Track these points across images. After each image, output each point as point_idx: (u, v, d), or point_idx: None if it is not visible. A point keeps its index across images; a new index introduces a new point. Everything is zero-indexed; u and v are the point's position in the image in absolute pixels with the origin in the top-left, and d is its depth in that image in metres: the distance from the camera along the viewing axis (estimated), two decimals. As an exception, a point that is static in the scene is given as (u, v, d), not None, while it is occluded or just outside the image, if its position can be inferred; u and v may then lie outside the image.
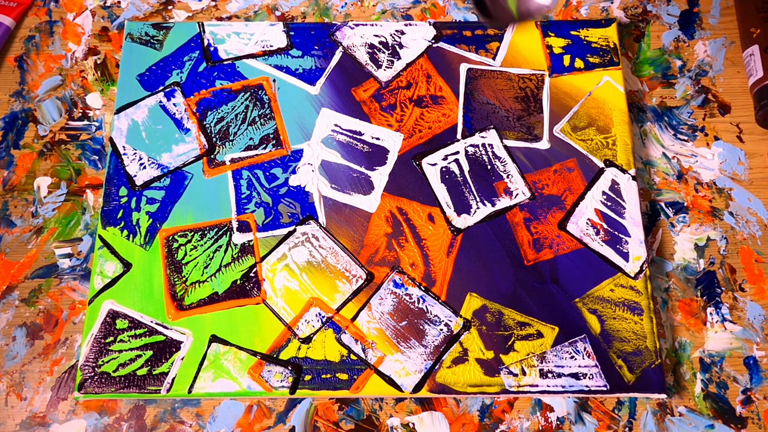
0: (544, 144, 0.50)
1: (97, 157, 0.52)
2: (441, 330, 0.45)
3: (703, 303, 0.47)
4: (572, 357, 0.44)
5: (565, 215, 0.48)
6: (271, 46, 0.54)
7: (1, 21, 0.56)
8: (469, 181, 0.49)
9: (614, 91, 0.52)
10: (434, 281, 0.46)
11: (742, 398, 0.44)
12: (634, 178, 0.49)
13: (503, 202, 0.48)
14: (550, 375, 0.44)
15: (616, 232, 0.47)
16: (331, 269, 0.47)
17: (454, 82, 0.52)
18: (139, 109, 0.51)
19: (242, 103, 0.52)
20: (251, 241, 0.47)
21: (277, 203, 0.48)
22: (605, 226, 0.48)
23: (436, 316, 0.45)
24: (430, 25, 0.54)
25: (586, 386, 0.43)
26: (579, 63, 0.53)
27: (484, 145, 0.50)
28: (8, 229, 0.49)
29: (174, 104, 0.52)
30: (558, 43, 0.54)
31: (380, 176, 0.49)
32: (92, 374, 0.43)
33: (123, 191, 0.49)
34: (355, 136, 0.50)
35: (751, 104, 0.53)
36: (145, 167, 0.50)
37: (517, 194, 0.49)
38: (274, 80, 0.52)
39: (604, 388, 0.43)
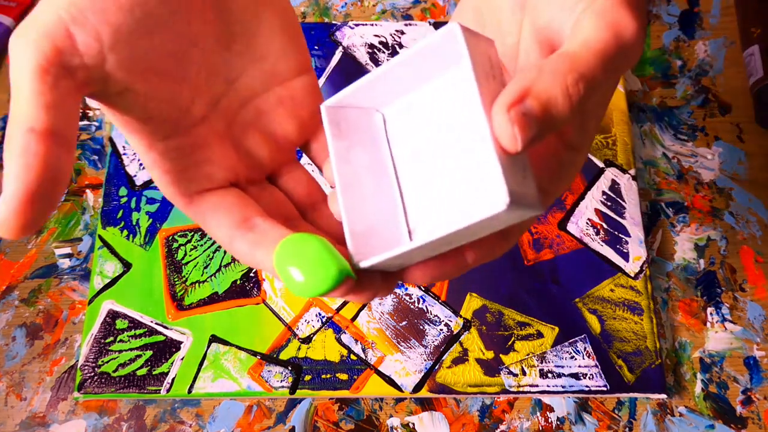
0: (544, 144, 0.50)
1: (96, 157, 0.52)
2: (441, 330, 0.45)
3: (703, 303, 0.47)
4: (572, 357, 0.44)
5: (565, 215, 0.48)
6: (271, 46, 0.53)
7: (1, 21, 0.56)
8: (469, 181, 0.49)
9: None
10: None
11: (742, 398, 0.44)
12: (634, 178, 0.49)
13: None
14: (550, 375, 0.43)
15: (616, 232, 0.47)
16: (331, 269, 0.46)
17: (454, 82, 0.52)
18: (139, 109, 0.51)
19: (242, 103, 0.51)
20: (251, 241, 0.47)
21: (277, 203, 0.48)
22: (605, 226, 0.48)
23: (436, 316, 0.45)
24: (430, 25, 0.54)
25: (586, 386, 0.43)
26: (579, 63, 0.53)
27: (484, 145, 0.50)
28: (8, 229, 0.49)
29: (174, 104, 0.52)
30: (558, 43, 0.54)
31: (380, 176, 0.49)
32: (92, 374, 0.43)
33: (123, 191, 0.49)
34: (355, 136, 0.50)
35: (751, 104, 0.53)
36: (145, 167, 0.49)
37: (517, 194, 0.48)
38: (274, 80, 0.52)
39: (604, 388, 0.43)
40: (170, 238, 0.47)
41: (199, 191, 0.25)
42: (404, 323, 0.45)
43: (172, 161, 0.24)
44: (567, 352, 0.44)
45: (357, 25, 0.54)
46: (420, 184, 0.25)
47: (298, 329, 0.45)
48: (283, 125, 0.27)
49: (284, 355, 0.44)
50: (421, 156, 0.25)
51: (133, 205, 0.48)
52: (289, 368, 0.44)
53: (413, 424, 0.44)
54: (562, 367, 0.44)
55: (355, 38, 0.54)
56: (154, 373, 0.44)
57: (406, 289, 0.46)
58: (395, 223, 0.25)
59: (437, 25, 0.54)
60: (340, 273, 0.21)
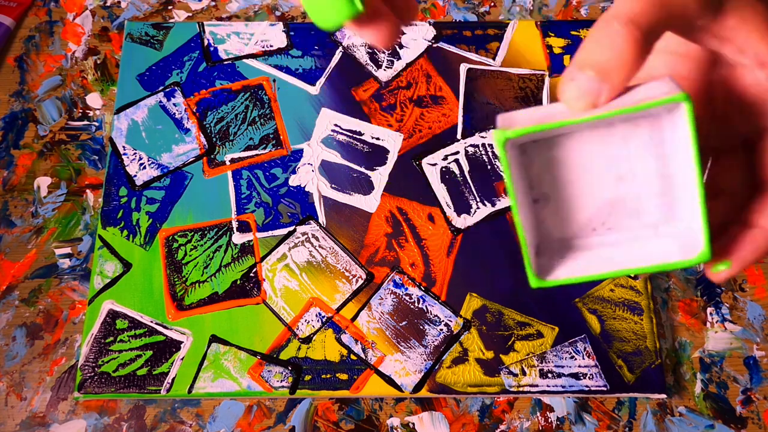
0: (544, 144, 0.50)
1: (97, 157, 0.52)
2: (441, 330, 0.45)
3: (703, 303, 0.47)
4: (572, 357, 0.44)
5: (565, 215, 0.48)
6: (271, 46, 0.54)
7: (1, 21, 0.56)
8: (469, 181, 0.49)
9: (614, 91, 0.52)
10: (434, 281, 0.46)
11: (742, 398, 0.44)
12: (634, 178, 0.49)
13: (503, 202, 0.48)
14: (550, 375, 0.44)
15: (616, 232, 0.47)
16: (331, 269, 0.47)
17: (454, 82, 0.52)
18: (139, 109, 0.51)
19: (242, 103, 0.52)
20: (251, 241, 0.47)
21: (277, 203, 0.48)
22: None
23: (436, 316, 0.45)
24: (430, 25, 0.54)
25: (586, 386, 0.43)
26: (579, 63, 0.53)
27: (484, 145, 0.50)
28: (8, 229, 0.49)
29: (174, 104, 0.52)
30: (558, 43, 0.54)
31: (380, 176, 0.49)
32: (92, 374, 0.43)
33: (123, 191, 0.49)
34: (355, 136, 0.50)
35: (751, 104, 0.53)
36: (145, 167, 0.50)
37: (517, 194, 0.48)
38: (274, 80, 0.52)
39: (604, 388, 0.43)
40: (170, 238, 0.47)
41: None
42: (404, 323, 0.45)
43: None
44: (567, 352, 0.44)
45: (357, 25, 0.54)
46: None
47: (298, 329, 0.45)
48: None
49: (284, 355, 0.44)
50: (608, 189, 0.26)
51: (133, 205, 0.48)
52: (289, 368, 0.44)
53: (413, 424, 0.44)
54: (562, 367, 0.44)
55: (355, 38, 0.54)
56: (154, 373, 0.44)
57: (406, 289, 0.46)
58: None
59: (437, 25, 0.54)
60: (351, 12, 0.23)
